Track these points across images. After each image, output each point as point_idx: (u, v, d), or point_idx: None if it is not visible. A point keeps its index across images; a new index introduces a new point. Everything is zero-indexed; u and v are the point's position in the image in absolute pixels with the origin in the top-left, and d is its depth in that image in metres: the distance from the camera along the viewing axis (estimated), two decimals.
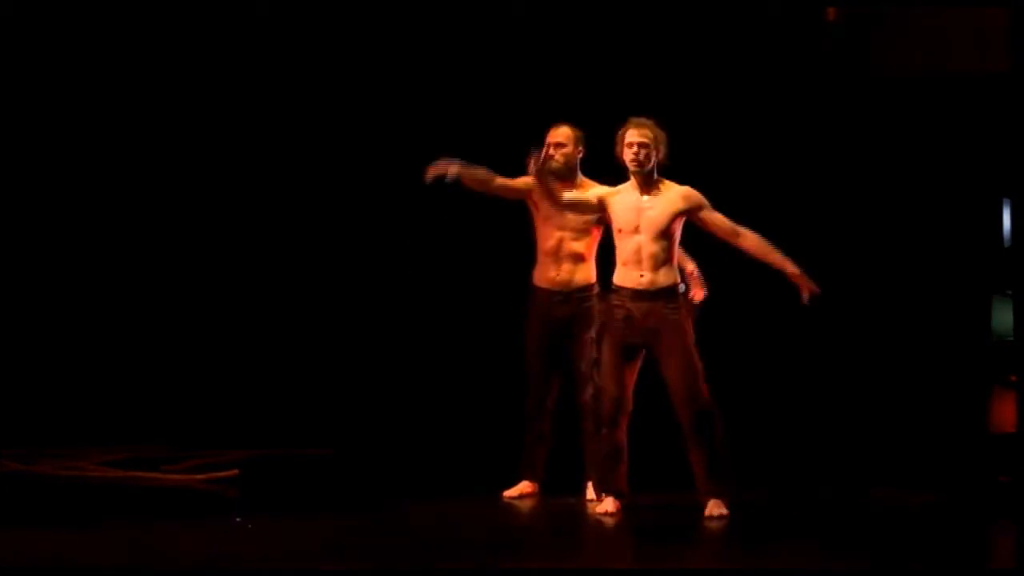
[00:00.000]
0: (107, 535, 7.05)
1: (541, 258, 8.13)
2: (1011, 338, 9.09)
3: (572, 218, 8.03)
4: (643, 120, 7.58)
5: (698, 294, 7.75)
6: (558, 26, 9.49)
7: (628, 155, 7.55)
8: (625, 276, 7.58)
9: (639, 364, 7.64)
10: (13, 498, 7.84)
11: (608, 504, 7.64)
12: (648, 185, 7.59)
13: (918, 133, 9.48)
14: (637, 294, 7.54)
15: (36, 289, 9.44)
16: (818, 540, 7.21)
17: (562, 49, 9.46)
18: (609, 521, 7.54)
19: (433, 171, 7.82)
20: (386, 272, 9.56)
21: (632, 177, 7.62)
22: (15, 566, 6.40)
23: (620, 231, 7.60)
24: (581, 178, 8.07)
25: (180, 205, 9.56)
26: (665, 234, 7.54)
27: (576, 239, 8.06)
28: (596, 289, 8.06)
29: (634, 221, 7.56)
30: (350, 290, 9.57)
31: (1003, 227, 9.30)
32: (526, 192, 8.07)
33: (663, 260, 7.54)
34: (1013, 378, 9.07)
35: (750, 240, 7.53)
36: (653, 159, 7.55)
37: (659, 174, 7.60)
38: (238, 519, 7.37)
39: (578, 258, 8.07)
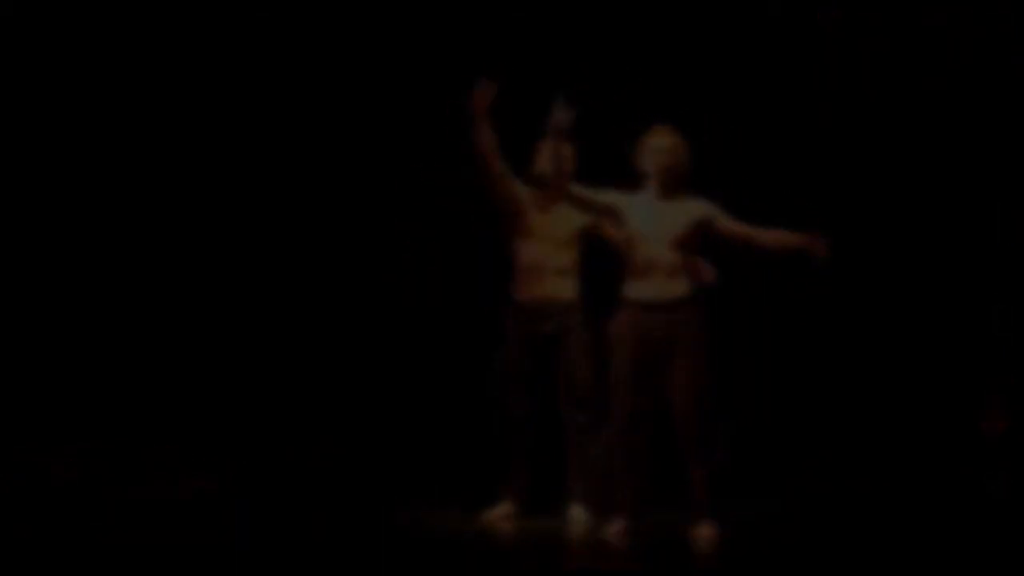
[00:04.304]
0: (106, 535, 7.15)
1: (522, 272, 7.92)
2: None
3: (558, 229, 7.91)
4: (667, 128, 7.50)
5: (707, 274, 7.45)
6: (557, 26, 9.46)
7: (652, 160, 7.44)
8: (638, 287, 7.43)
9: (655, 379, 7.42)
10: (13, 498, 7.96)
11: (618, 525, 7.44)
12: (668, 192, 7.47)
13: (917, 133, 9.43)
14: (651, 305, 7.38)
15: (33, 289, 9.52)
16: (816, 540, 7.24)
17: (561, 50, 9.42)
18: (594, 539, 7.48)
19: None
20: (374, 283, 9.61)
21: (652, 184, 7.47)
22: (15, 566, 6.50)
23: (635, 238, 7.44)
24: None
25: (178, 205, 9.61)
26: (683, 243, 7.40)
27: (561, 251, 7.90)
28: (579, 304, 7.92)
29: (652, 228, 7.41)
30: (340, 298, 9.60)
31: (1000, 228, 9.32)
32: (516, 198, 7.93)
33: (679, 270, 7.38)
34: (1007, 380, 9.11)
35: (770, 235, 7.43)
36: (676, 166, 7.45)
37: (680, 184, 7.48)
38: (226, 521, 7.47)
39: (563, 272, 7.91)
